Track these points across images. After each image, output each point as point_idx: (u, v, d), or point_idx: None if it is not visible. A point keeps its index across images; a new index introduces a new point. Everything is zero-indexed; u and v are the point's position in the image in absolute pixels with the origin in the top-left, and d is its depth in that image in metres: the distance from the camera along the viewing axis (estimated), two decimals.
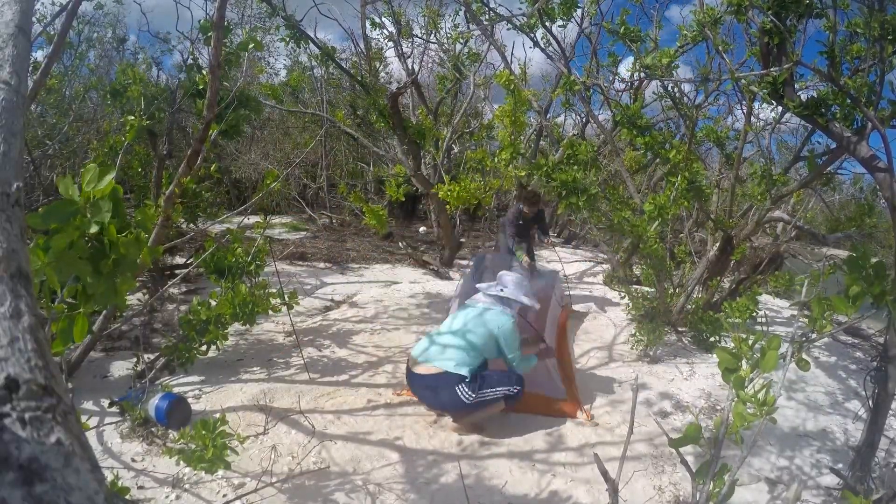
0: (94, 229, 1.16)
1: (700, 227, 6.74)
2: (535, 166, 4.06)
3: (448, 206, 5.55)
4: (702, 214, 5.68)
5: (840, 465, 2.80)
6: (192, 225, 4.79)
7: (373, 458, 2.79)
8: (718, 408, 3.53)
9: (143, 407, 2.88)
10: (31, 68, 3.16)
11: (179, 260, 5.73)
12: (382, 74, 8.68)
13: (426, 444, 2.95)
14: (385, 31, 7.25)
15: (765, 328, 4.83)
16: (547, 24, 4.91)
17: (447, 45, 7.59)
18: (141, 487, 2.46)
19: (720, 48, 3.75)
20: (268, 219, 4.47)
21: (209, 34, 3.38)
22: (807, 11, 2.74)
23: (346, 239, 8.28)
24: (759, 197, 4.47)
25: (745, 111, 4.65)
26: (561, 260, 6.31)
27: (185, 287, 5.22)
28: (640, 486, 2.69)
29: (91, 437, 2.77)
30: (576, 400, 3.39)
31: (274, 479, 2.46)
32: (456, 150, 8.86)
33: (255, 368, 3.70)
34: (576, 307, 5.22)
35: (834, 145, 3.77)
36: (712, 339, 4.39)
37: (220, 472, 2.37)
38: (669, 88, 4.73)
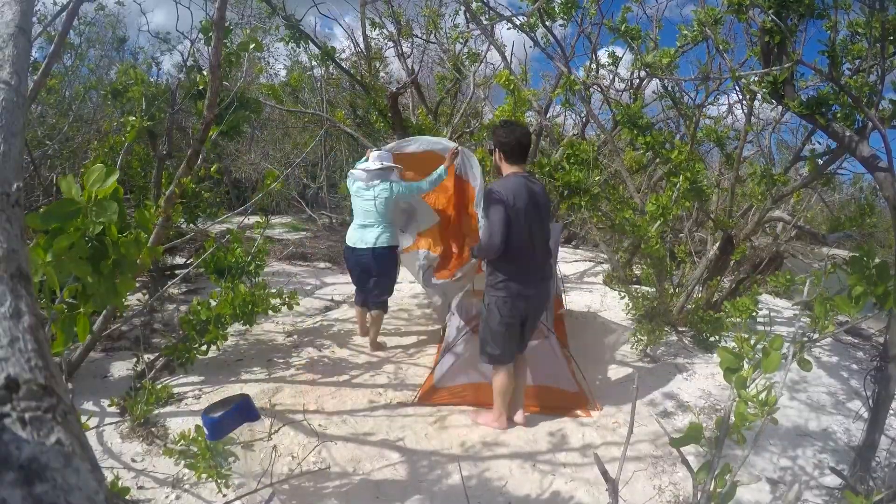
0: (97, 229, 1.16)
1: (700, 227, 6.73)
2: (537, 165, 4.06)
3: None
4: (702, 214, 5.68)
5: (841, 466, 2.79)
6: (192, 225, 4.78)
7: (373, 458, 2.79)
8: (719, 408, 3.53)
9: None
10: (30, 68, 3.16)
11: (179, 260, 5.72)
12: (382, 74, 8.67)
13: (427, 444, 2.95)
14: (385, 31, 7.25)
15: (766, 328, 4.83)
16: (547, 23, 4.91)
17: (447, 45, 7.59)
18: (141, 487, 2.46)
19: (721, 47, 3.75)
20: (268, 219, 4.46)
21: (209, 34, 3.38)
22: (808, 11, 2.74)
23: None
24: (759, 197, 4.47)
25: (745, 111, 4.65)
26: (561, 260, 6.32)
27: (185, 287, 5.22)
28: (641, 486, 2.69)
29: (91, 437, 2.77)
30: (585, 394, 3.37)
31: (274, 480, 2.45)
32: None
33: (255, 368, 3.70)
34: (576, 307, 5.22)
35: (834, 145, 3.77)
36: (713, 338, 4.39)
37: None
38: (670, 88, 4.73)
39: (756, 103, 4.64)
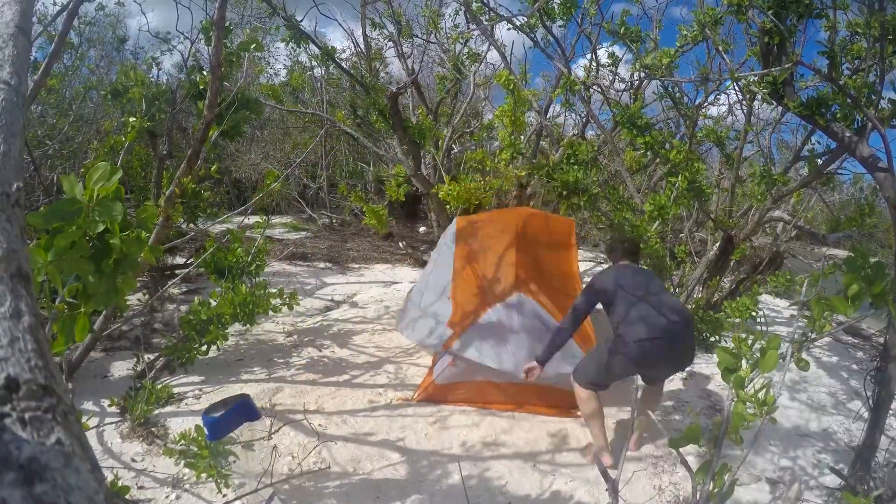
0: (98, 228, 1.16)
1: (700, 227, 6.73)
2: (537, 166, 4.07)
3: (448, 206, 5.55)
4: (702, 214, 5.68)
5: (841, 466, 2.80)
6: (192, 225, 4.79)
7: (373, 458, 2.79)
8: (719, 408, 3.53)
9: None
10: (30, 68, 3.16)
11: (179, 260, 5.73)
12: (382, 75, 8.68)
13: (427, 444, 2.95)
14: (385, 31, 7.25)
15: (765, 328, 4.83)
16: (547, 24, 4.92)
17: (447, 45, 7.59)
18: (141, 487, 2.46)
19: (720, 48, 3.75)
20: (268, 219, 4.47)
21: (209, 34, 3.38)
22: (807, 11, 2.74)
23: (346, 239, 8.28)
24: (759, 197, 4.47)
25: (745, 111, 4.66)
26: None
27: (185, 287, 5.22)
28: (641, 486, 2.69)
29: (91, 437, 2.77)
30: None
31: (274, 480, 2.46)
32: (456, 150, 8.86)
33: (255, 368, 3.71)
34: None
35: (834, 145, 3.77)
36: (712, 339, 4.39)
37: None
38: (669, 88, 4.73)
39: (756, 103, 4.64)
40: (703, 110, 5.14)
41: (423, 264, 6.95)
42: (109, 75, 7.40)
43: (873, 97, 2.73)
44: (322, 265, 6.71)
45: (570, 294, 3.60)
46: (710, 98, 5.19)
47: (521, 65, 7.40)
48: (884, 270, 1.62)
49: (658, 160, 4.62)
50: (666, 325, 2.72)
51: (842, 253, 8.29)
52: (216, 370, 3.62)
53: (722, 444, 1.53)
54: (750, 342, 1.53)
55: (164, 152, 5.00)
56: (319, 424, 3.04)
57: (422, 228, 9.59)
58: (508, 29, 4.87)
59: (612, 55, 6.00)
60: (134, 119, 3.91)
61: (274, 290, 3.79)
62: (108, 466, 2.51)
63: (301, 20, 5.65)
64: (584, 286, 3.15)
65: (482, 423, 3.16)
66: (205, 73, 3.93)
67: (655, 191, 6.48)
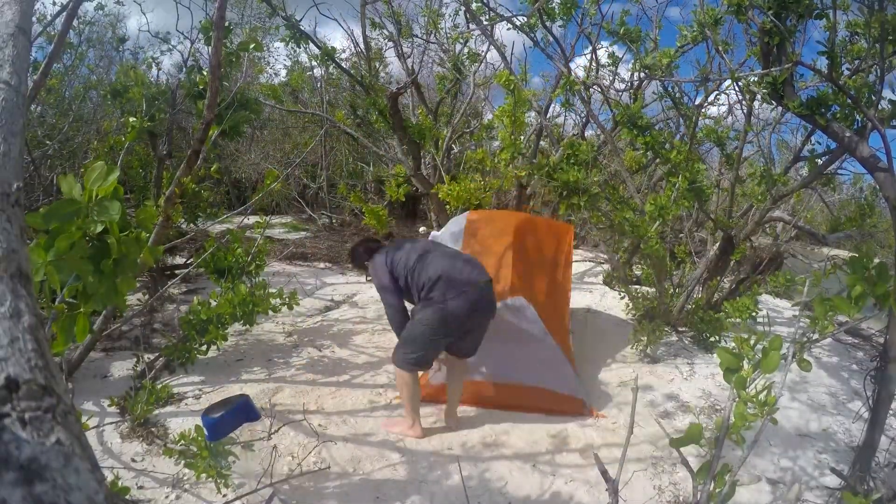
0: (97, 229, 1.16)
1: (700, 227, 6.73)
2: (537, 166, 4.06)
3: (448, 206, 5.55)
4: (702, 214, 5.68)
5: (841, 466, 2.79)
6: (192, 225, 4.78)
7: (373, 458, 2.79)
8: (719, 408, 3.53)
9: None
10: (30, 68, 3.16)
11: (179, 260, 5.73)
12: (382, 75, 8.67)
13: (427, 444, 2.95)
14: (385, 31, 7.25)
15: (766, 328, 4.83)
16: (547, 24, 4.91)
17: (447, 45, 7.59)
18: (141, 487, 2.46)
19: (720, 48, 3.75)
20: (268, 219, 4.47)
21: (209, 34, 3.38)
22: (807, 11, 2.74)
23: (346, 239, 8.27)
24: (759, 197, 4.47)
25: (745, 111, 4.66)
26: None
27: (185, 287, 5.22)
28: (641, 486, 2.69)
29: (91, 437, 2.77)
30: (579, 398, 3.36)
31: (274, 480, 2.46)
32: (456, 150, 8.86)
33: (255, 368, 3.70)
34: (576, 307, 5.21)
35: (834, 145, 3.77)
36: (713, 339, 4.39)
37: None
38: (669, 88, 4.73)
39: (756, 103, 4.64)
40: (703, 110, 5.14)
41: None
42: (109, 75, 7.39)
43: (873, 97, 2.73)
44: (322, 265, 6.71)
45: (558, 305, 3.65)
46: (710, 98, 5.19)
47: (521, 65, 7.40)
48: (888, 272, 1.62)
49: (658, 160, 4.61)
50: (477, 274, 2.90)
51: (843, 253, 8.29)
52: (216, 370, 3.62)
53: (723, 444, 1.53)
54: (752, 342, 1.52)
55: (164, 152, 5.00)
56: (319, 424, 3.04)
57: (422, 228, 9.58)
58: (508, 29, 4.87)
59: (612, 55, 6.00)
60: (134, 119, 3.91)
61: (274, 290, 3.78)
62: (108, 466, 2.51)
63: (301, 20, 5.65)
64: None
65: (482, 424, 3.16)
66: (204, 73, 3.93)
67: (655, 191, 6.48)
